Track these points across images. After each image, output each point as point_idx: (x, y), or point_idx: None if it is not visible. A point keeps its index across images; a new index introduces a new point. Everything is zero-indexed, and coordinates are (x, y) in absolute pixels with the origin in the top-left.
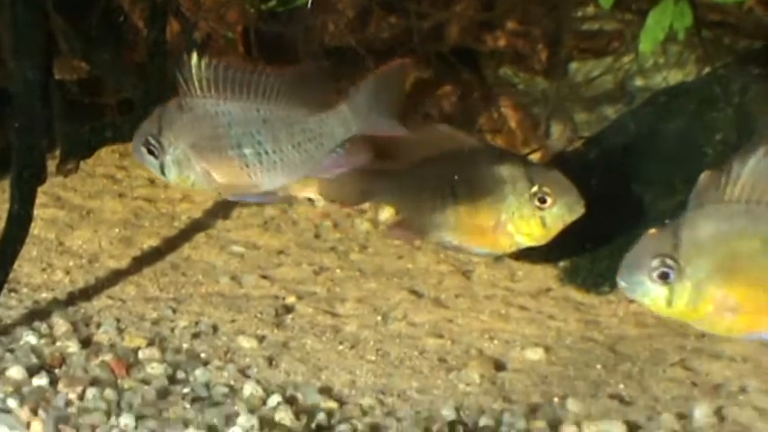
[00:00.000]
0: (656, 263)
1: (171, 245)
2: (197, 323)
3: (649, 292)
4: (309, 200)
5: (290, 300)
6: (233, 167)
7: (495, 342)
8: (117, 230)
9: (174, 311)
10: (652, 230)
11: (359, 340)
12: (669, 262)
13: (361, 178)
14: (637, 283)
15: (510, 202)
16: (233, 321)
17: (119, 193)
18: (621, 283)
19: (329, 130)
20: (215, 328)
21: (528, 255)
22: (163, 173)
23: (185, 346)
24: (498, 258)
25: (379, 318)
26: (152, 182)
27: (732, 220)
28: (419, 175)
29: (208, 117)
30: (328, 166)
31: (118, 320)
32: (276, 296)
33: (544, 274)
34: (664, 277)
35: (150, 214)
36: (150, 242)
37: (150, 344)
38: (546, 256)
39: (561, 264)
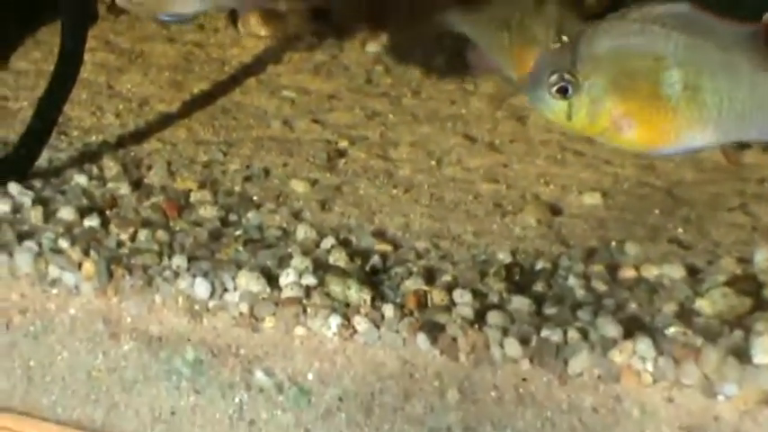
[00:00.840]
0: (554, 78)
1: (221, 89)
2: (248, 166)
3: (550, 105)
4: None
5: (343, 144)
6: None
7: (552, 187)
8: (167, 74)
9: (226, 155)
10: (554, 46)
11: (413, 184)
12: (567, 77)
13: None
14: (538, 98)
15: (540, 50)
16: (285, 165)
17: (168, 37)
18: (527, 98)
19: None
20: (267, 172)
21: None
22: None
23: (237, 188)
24: None
25: (433, 162)
26: (201, 27)
27: (628, 37)
28: (489, 12)
29: None
30: None
31: (169, 163)
32: (328, 140)
33: None
34: (562, 92)
35: (200, 59)
36: (200, 86)
37: (202, 186)
38: None
39: None
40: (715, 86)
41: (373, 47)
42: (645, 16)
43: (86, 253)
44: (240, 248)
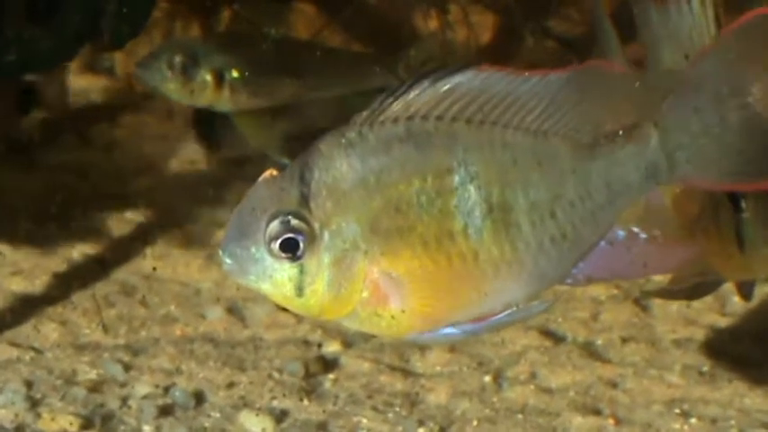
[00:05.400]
0: (275, 227)
1: (119, 249)
2: (167, 389)
3: (269, 274)
4: None
5: (331, 347)
6: None
7: None
8: (24, 224)
9: (128, 368)
10: (268, 172)
11: (450, 418)
12: (295, 223)
13: None
14: (248, 261)
15: None
16: (230, 386)
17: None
18: (226, 262)
19: None
20: (199, 398)
21: None
22: None
23: (147, 429)
24: None
25: (488, 378)
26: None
27: (390, 147)
28: None
29: None
30: None
31: (28, 384)
32: (306, 341)
33: None
34: (289, 249)
35: (80, 193)
36: (81, 247)
37: (85, 427)
38: None
39: None
40: (532, 199)
41: None
42: (411, 106)
43: None
44: None
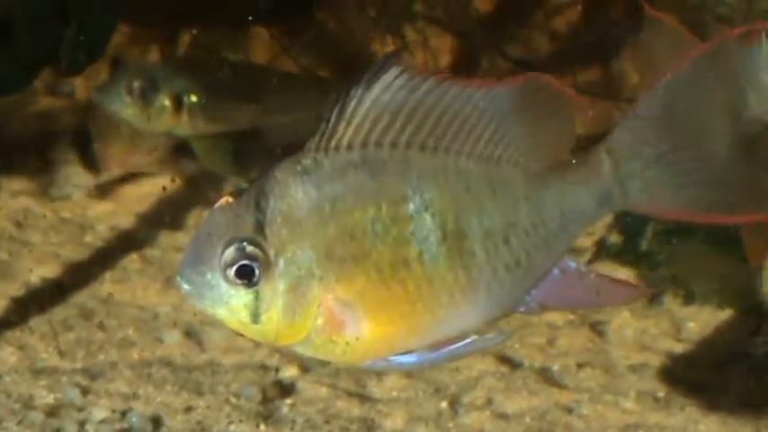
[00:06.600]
0: (231, 253)
1: (78, 274)
2: (124, 413)
3: (225, 300)
4: None
5: (289, 372)
6: None
7: None
8: None
9: (85, 392)
10: (224, 199)
11: None
12: (251, 250)
13: None
14: (204, 287)
15: None
16: (188, 410)
17: None
18: (184, 287)
19: None
20: (157, 423)
21: None
22: None
23: None
24: None
25: (444, 404)
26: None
27: (345, 174)
28: None
29: None
30: None
31: None
32: (263, 365)
33: None
34: (245, 275)
35: (39, 222)
36: (41, 270)
37: None
38: None
39: None
40: (486, 226)
41: None
42: (362, 129)
43: None
44: None
